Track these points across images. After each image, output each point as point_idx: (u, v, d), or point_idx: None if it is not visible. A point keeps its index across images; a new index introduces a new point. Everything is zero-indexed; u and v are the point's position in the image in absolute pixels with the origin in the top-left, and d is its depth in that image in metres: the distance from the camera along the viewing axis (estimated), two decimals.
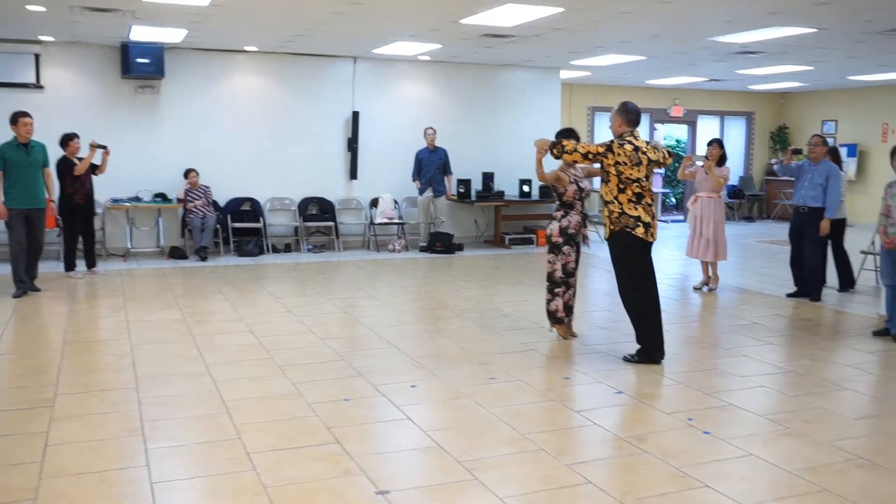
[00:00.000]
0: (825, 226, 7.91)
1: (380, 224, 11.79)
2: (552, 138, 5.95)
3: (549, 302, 6.30)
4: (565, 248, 6.16)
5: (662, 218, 16.87)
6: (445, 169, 11.78)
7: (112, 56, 10.55)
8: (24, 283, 8.06)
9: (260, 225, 11.31)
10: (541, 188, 12.44)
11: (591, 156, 5.50)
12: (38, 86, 10.35)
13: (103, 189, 10.53)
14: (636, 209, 5.49)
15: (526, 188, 12.48)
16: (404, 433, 4.26)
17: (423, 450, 4.01)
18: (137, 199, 10.72)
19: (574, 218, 6.15)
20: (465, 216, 12.73)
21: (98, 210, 10.56)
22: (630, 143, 5.49)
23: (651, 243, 5.56)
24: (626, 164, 5.44)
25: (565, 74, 13.62)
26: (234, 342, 6.20)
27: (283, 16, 8.44)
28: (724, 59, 11.54)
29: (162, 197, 10.85)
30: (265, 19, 8.67)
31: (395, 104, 12.18)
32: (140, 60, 10.22)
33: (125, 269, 9.80)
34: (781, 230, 14.90)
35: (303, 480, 3.59)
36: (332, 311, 7.41)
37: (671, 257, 11.64)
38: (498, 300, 8.11)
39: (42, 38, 10.06)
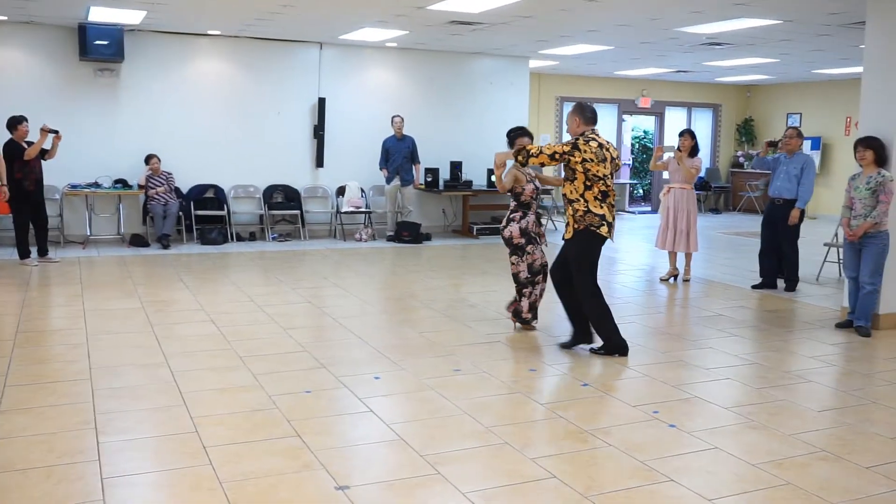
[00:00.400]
0: (794, 215, 7.96)
1: (346, 213, 11.67)
2: (507, 148, 5.97)
3: (515, 301, 6.31)
4: (528, 248, 6.15)
5: (630, 209, 16.96)
6: (413, 157, 11.69)
7: (69, 37, 10.28)
8: None
9: (224, 213, 11.13)
10: None
11: (557, 156, 5.45)
12: None
13: (61, 174, 10.35)
14: (601, 208, 5.48)
15: (494, 178, 12.40)
16: (366, 426, 4.18)
17: (386, 443, 3.93)
18: (97, 185, 10.48)
19: (531, 217, 6.15)
20: (432, 205, 12.64)
21: (55, 196, 10.35)
22: (595, 139, 5.47)
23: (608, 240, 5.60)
24: (592, 160, 5.40)
25: (534, 63, 13.58)
26: (195, 332, 6.08)
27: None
28: (691, 51, 11.56)
29: (122, 183, 10.62)
30: (226, 1, 8.48)
31: (362, 91, 12.05)
32: (98, 42, 9.98)
33: (84, 256, 9.58)
34: (747, 222, 15.06)
35: (261, 475, 3.49)
36: (296, 301, 7.31)
37: (638, 248, 11.67)
38: (465, 290, 8.05)
39: None
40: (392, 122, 11.58)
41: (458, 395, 4.71)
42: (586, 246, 5.55)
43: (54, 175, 10.32)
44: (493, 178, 6.09)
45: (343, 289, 7.98)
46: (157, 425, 4.11)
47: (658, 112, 17.09)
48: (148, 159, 10.58)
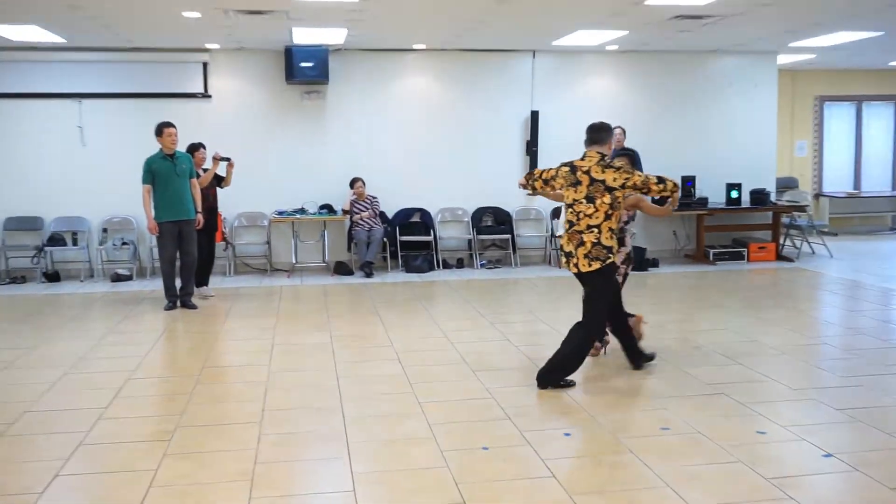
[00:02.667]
0: None
1: (562, 237, 11.34)
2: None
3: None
4: None
5: None
6: None
7: (276, 61, 10.91)
8: (176, 296, 8.53)
9: (430, 238, 11.26)
10: (752, 194, 11.50)
11: (547, 181, 5.88)
12: (206, 95, 10.91)
13: (269, 200, 10.98)
14: (563, 236, 5.74)
15: (735, 193, 11.57)
16: (544, 496, 3.84)
17: None
18: (303, 210, 11.00)
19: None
20: (661, 227, 12.01)
21: (262, 222, 11.00)
22: (575, 162, 5.62)
23: (574, 274, 5.71)
24: (563, 186, 5.67)
25: (784, 59, 12.56)
26: (377, 372, 6.08)
27: (448, 6, 8.28)
28: None
29: (328, 209, 11.07)
30: (427, 12, 8.55)
31: (578, 101, 11.73)
32: (304, 64, 10.49)
33: (287, 285, 10.06)
34: None
35: None
36: (492, 339, 7.12)
37: None
38: (690, 327, 7.48)
39: (208, 45, 10.59)
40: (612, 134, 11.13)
41: (662, 460, 4.26)
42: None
43: (261, 201, 11.00)
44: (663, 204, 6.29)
45: (548, 324, 7.70)
46: (313, 481, 4.06)
47: None
48: (353, 183, 10.94)
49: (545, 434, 4.70)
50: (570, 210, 5.59)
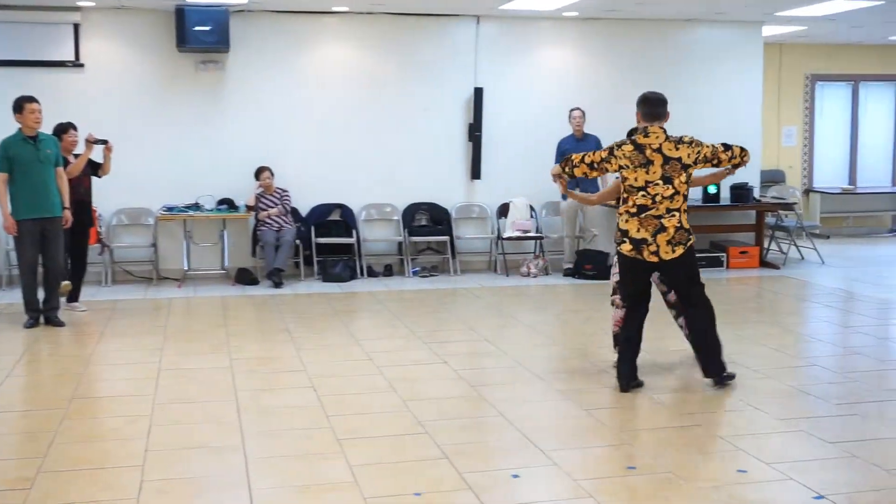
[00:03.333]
0: None
1: (510, 239, 11.47)
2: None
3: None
4: None
5: None
6: None
7: (166, 24, 10.77)
8: (38, 311, 8.35)
9: (352, 240, 11.25)
10: (732, 190, 11.74)
11: (595, 165, 6.10)
12: (77, 63, 10.72)
13: (155, 194, 10.85)
14: (628, 222, 6.05)
15: (712, 189, 11.81)
16: None
17: None
18: (197, 206, 10.88)
19: None
20: None
21: (147, 220, 10.85)
22: (634, 142, 5.99)
23: (652, 263, 6.10)
24: (628, 166, 5.98)
25: (770, 30, 12.89)
26: (287, 403, 6.07)
27: None
28: None
29: (228, 204, 10.97)
30: None
31: (530, 78, 11.85)
32: (199, 28, 10.39)
33: (179, 297, 9.94)
34: None
35: None
36: (427, 361, 7.16)
37: None
38: (660, 345, 7.58)
39: (80, 2, 10.39)
40: (570, 117, 11.29)
41: None
42: (621, 265, 6.30)
43: (146, 195, 10.84)
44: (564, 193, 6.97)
45: (494, 344, 7.76)
46: None
47: None
48: (258, 173, 10.86)
49: (490, 476, 4.72)
50: (642, 193, 5.97)
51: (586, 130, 11.35)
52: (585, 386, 6.42)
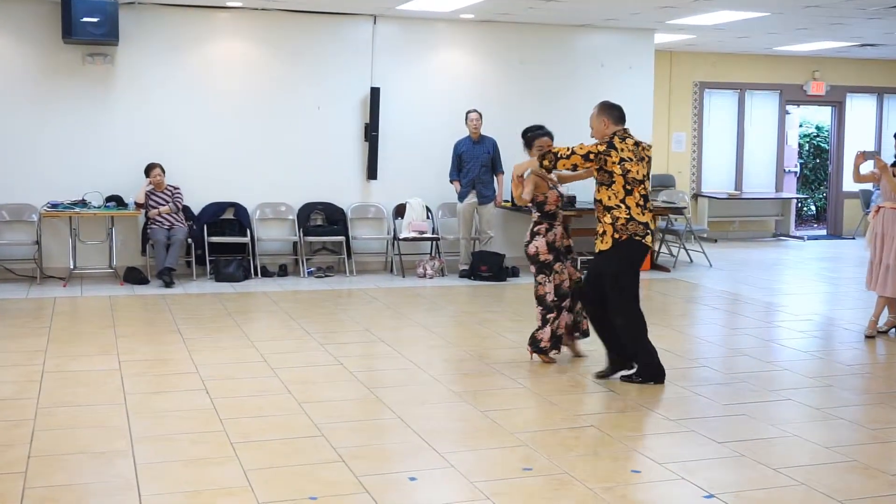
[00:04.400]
0: None
1: (406, 239, 11.47)
2: (524, 152, 7.04)
3: (538, 329, 6.94)
4: (557, 266, 6.88)
5: (797, 232, 16.26)
6: (494, 166, 11.42)
7: (51, 14, 10.44)
8: None
9: (246, 239, 11.11)
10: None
11: (592, 156, 6.21)
12: None
13: (40, 190, 10.52)
14: (644, 214, 6.28)
15: (513, 193, 11.98)
16: None
17: None
18: (84, 203, 10.58)
19: (558, 229, 6.95)
20: (520, 230, 12.26)
21: (31, 217, 10.51)
22: (631, 137, 6.33)
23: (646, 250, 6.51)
24: (631, 159, 6.23)
25: (662, 38, 13.18)
26: (178, 406, 5.93)
27: None
28: (881, 16, 10.95)
29: (116, 201, 10.71)
30: None
31: (427, 79, 11.88)
32: (87, 20, 10.09)
33: (63, 297, 9.65)
34: None
35: None
36: (323, 363, 7.10)
37: (808, 289, 11.08)
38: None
39: None
40: (467, 119, 11.34)
41: None
42: (629, 258, 6.38)
43: (30, 191, 10.49)
44: (513, 193, 6.92)
45: (389, 345, 7.74)
46: None
47: (836, 101, 16.39)
48: (148, 170, 10.62)
49: (387, 479, 4.71)
50: (643, 186, 6.31)
51: (483, 132, 11.41)
52: (481, 387, 6.45)
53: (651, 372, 6.43)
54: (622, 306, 6.37)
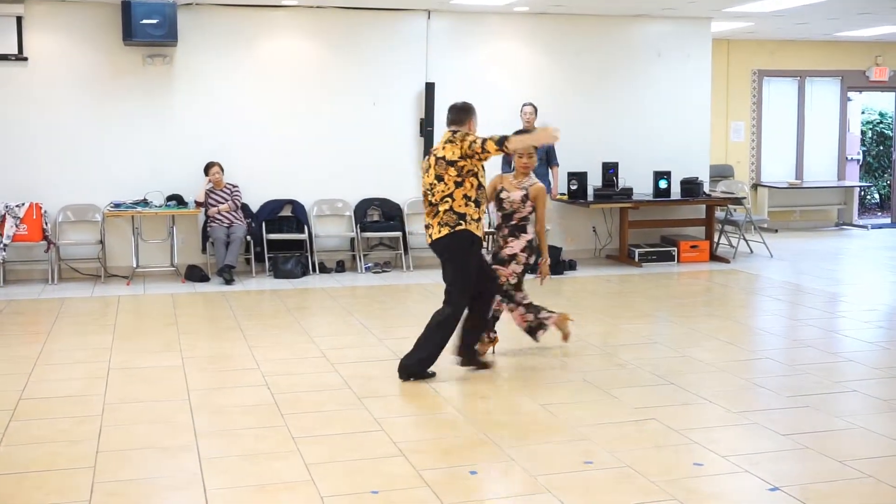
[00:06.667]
0: None
1: None
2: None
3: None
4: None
5: (860, 221, 15.96)
6: (549, 159, 11.35)
7: (112, 17, 10.59)
8: None
9: (304, 236, 11.18)
10: (682, 185, 11.83)
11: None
12: (20, 57, 10.51)
13: (103, 191, 10.69)
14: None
15: (663, 183, 11.90)
16: None
17: None
18: (145, 203, 10.73)
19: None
20: (578, 223, 12.24)
21: (95, 217, 10.68)
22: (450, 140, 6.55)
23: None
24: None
25: (718, 26, 13.01)
26: (240, 402, 6.00)
27: None
28: None
29: (177, 200, 10.83)
30: None
31: (482, 73, 11.84)
32: (146, 22, 10.23)
33: (127, 295, 9.79)
34: None
35: None
36: (383, 358, 7.09)
37: (870, 280, 10.85)
38: (613, 341, 7.67)
39: None
40: (521, 112, 11.29)
41: (586, 500, 4.34)
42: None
43: (93, 191, 10.68)
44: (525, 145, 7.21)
45: None
46: None
47: None
48: (208, 169, 10.74)
49: (447, 473, 4.71)
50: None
51: (537, 125, 11.35)
52: (542, 381, 6.40)
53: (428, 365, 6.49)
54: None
